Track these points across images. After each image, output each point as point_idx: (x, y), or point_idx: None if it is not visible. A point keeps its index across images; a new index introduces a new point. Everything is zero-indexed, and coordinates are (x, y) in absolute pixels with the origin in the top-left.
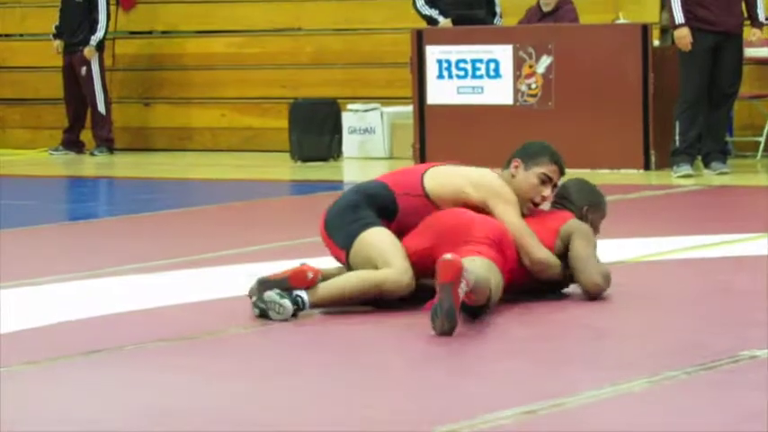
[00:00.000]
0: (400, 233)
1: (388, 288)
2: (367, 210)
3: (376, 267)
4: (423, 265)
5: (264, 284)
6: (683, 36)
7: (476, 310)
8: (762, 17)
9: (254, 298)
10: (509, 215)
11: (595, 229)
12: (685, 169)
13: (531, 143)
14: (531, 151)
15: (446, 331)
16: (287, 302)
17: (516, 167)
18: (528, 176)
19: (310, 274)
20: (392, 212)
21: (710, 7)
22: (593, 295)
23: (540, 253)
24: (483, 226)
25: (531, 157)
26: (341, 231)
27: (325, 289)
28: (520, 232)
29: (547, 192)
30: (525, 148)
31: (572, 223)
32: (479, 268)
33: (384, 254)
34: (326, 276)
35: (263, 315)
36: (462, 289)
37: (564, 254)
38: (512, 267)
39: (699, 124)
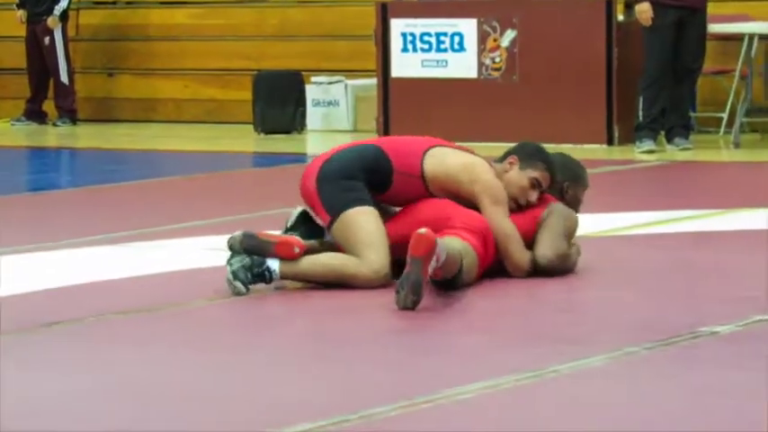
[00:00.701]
0: (386, 211)
1: (360, 284)
2: (362, 184)
3: (354, 249)
4: (401, 252)
5: (250, 239)
6: (644, 11)
7: (443, 285)
8: None
9: (229, 255)
10: (498, 216)
11: (578, 201)
12: (648, 145)
13: (529, 143)
14: (528, 152)
15: (408, 305)
16: (239, 285)
17: (511, 164)
18: (521, 177)
19: (297, 249)
20: (384, 187)
21: None
22: (542, 268)
23: (523, 261)
24: (464, 216)
25: (528, 158)
26: (331, 197)
27: (299, 266)
28: (506, 236)
29: (534, 197)
30: (524, 148)
31: (550, 206)
32: (452, 243)
33: (366, 242)
34: (307, 250)
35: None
36: (432, 265)
37: None
38: (491, 262)
39: (662, 99)
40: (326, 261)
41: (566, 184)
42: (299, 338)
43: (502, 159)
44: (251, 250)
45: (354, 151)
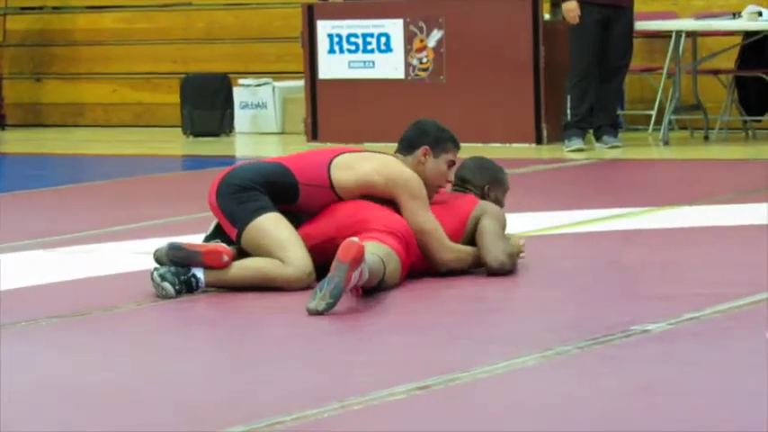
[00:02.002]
0: (298, 218)
1: (285, 285)
2: (263, 195)
3: (271, 255)
4: (322, 255)
5: (176, 250)
6: (572, 9)
7: (367, 289)
8: None
9: (154, 266)
10: (417, 211)
11: (500, 204)
12: (576, 143)
13: (427, 126)
14: (436, 138)
15: (320, 308)
16: (167, 286)
17: (425, 155)
18: (438, 164)
19: (225, 257)
20: (292, 199)
21: None
22: (497, 272)
23: (445, 255)
24: (383, 218)
25: (438, 143)
26: (233, 210)
27: (225, 273)
28: (426, 232)
29: (452, 175)
30: (428, 134)
31: (480, 206)
32: (375, 255)
33: (281, 245)
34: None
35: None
36: (355, 276)
37: (474, 238)
38: (414, 260)
39: (590, 98)
40: (251, 265)
41: (486, 188)
42: (230, 340)
43: (406, 149)
44: (178, 262)
45: (253, 166)
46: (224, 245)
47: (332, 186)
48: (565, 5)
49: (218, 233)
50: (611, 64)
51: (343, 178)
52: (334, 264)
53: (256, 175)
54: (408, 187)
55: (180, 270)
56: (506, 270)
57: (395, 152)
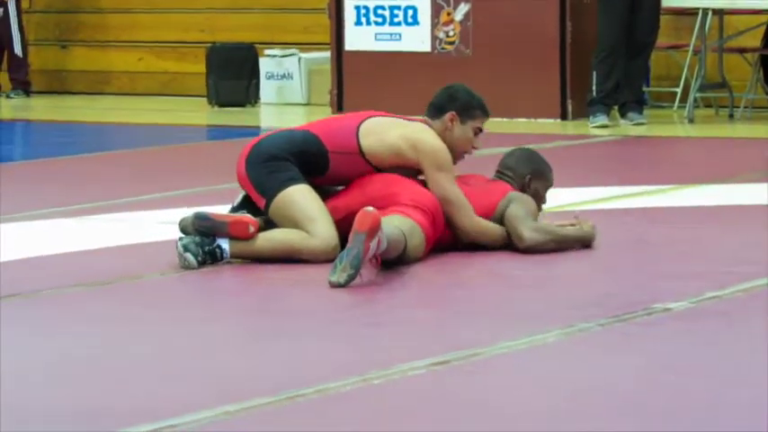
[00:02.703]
0: (328, 189)
1: (311, 257)
2: (293, 165)
3: (299, 227)
4: (348, 227)
5: (202, 220)
6: None
7: (389, 262)
8: None
9: (179, 236)
10: (442, 182)
11: (540, 198)
12: (601, 119)
13: (458, 91)
14: (464, 104)
15: (342, 281)
16: (190, 257)
17: (452, 121)
18: (465, 131)
19: (251, 228)
20: (323, 169)
21: None
22: (526, 249)
23: (469, 225)
24: (411, 192)
25: (466, 110)
26: (262, 179)
27: (249, 244)
28: (451, 203)
29: (478, 142)
30: (456, 100)
31: (509, 195)
32: (397, 227)
33: (309, 217)
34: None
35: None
36: (373, 246)
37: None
38: (441, 235)
39: (616, 74)
40: (277, 237)
41: (528, 178)
42: (252, 312)
43: (434, 113)
44: (204, 232)
45: (282, 135)
46: (250, 216)
47: (361, 153)
48: None
49: (244, 205)
50: (638, 40)
51: (372, 145)
52: (351, 235)
53: (287, 143)
54: (436, 158)
55: (205, 240)
56: (539, 244)
57: (423, 115)
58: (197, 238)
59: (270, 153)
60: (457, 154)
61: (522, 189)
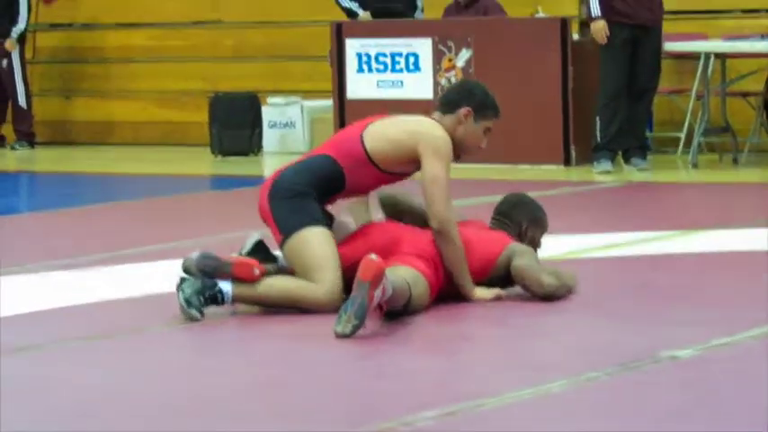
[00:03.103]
0: (340, 223)
1: (314, 307)
2: (316, 203)
3: (306, 271)
4: (351, 277)
5: (207, 259)
6: (599, 29)
7: (393, 313)
8: None
9: (182, 277)
10: (434, 164)
11: (536, 244)
12: (605, 165)
13: (475, 87)
14: (480, 101)
15: (347, 331)
16: (194, 312)
17: (466, 117)
18: (476, 129)
19: (257, 271)
20: (341, 186)
21: (627, 0)
22: (546, 296)
23: (443, 210)
24: (414, 241)
25: (481, 108)
26: (284, 216)
27: (254, 289)
28: (434, 181)
29: (485, 143)
30: (473, 96)
31: (509, 248)
32: (401, 276)
33: (318, 264)
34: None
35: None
36: (378, 294)
37: (503, 277)
38: (443, 284)
39: (619, 119)
40: (280, 284)
41: (525, 225)
42: (257, 364)
43: (447, 107)
44: (208, 271)
45: (302, 167)
46: (255, 260)
47: (369, 159)
48: (593, 25)
49: (254, 253)
50: (639, 85)
51: (376, 147)
52: (355, 284)
53: (308, 174)
54: (435, 144)
55: (205, 284)
56: (557, 288)
57: (433, 111)
58: (197, 284)
59: (294, 190)
60: (463, 150)
61: (519, 235)
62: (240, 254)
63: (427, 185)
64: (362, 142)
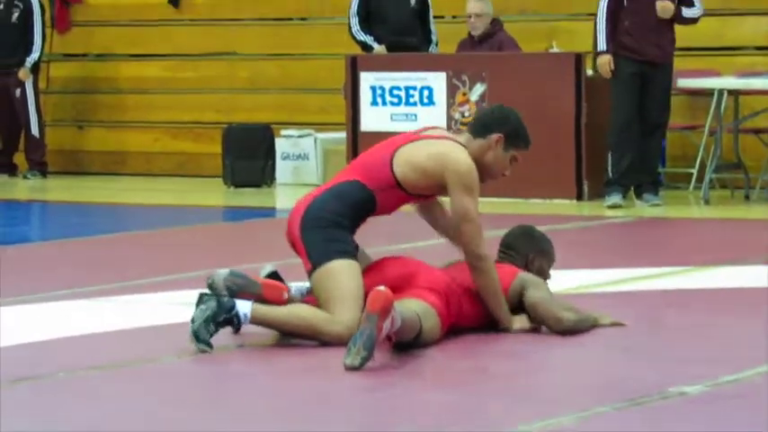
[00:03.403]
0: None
1: (330, 340)
2: (349, 233)
3: (329, 302)
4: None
5: (236, 277)
6: (604, 63)
7: (404, 345)
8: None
9: (201, 294)
10: (467, 201)
11: (544, 275)
12: (615, 198)
13: (510, 114)
14: (514, 130)
15: (356, 363)
16: (202, 346)
17: (497, 143)
18: (505, 157)
19: (285, 295)
20: (372, 209)
21: (634, 35)
22: (564, 331)
23: (474, 243)
24: (427, 275)
25: (514, 137)
26: (317, 245)
27: (274, 314)
28: (463, 216)
29: (509, 171)
30: (508, 123)
31: (520, 278)
32: (411, 309)
33: (341, 297)
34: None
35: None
36: (386, 326)
37: (515, 308)
38: (454, 318)
39: (631, 154)
40: (302, 313)
41: (531, 257)
42: (265, 397)
43: (480, 131)
44: (234, 289)
45: (333, 194)
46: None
47: (398, 184)
48: (598, 59)
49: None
50: (650, 121)
51: (405, 173)
52: (363, 315)
53: (340, 203)
54: (461, 177)
55: (222, 308)
56: (571, 324)
57: (467, 130)
58: (210, 310)
59: (327, 219)
60: (488, 176)
61: (526, 266)
62: None
63: (458, 222)
64: (392, 168)
